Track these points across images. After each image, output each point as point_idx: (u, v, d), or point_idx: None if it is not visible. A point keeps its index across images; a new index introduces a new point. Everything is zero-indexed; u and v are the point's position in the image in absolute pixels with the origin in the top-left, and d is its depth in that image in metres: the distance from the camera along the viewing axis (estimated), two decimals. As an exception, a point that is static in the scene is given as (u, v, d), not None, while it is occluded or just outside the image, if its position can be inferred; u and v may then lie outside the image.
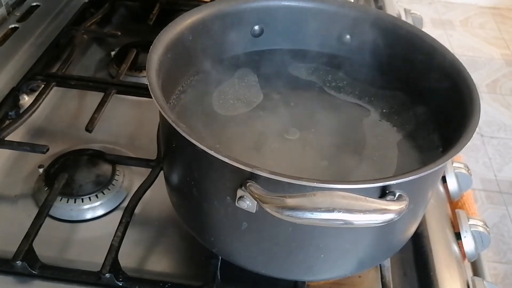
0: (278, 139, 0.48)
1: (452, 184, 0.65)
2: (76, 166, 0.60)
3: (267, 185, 0.37)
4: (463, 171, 0.67)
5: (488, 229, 0.59)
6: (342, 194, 0.34)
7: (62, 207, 0.56)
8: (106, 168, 0.60)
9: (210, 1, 0.56)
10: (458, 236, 0.58)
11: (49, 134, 0.68)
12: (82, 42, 0.82)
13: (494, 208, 1.67)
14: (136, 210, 0.54)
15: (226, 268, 0.49)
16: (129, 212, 0.53)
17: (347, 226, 0.34)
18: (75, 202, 0.56)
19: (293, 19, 0.58)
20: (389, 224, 0.35)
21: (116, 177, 0.59)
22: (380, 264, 0.51)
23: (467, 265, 0.59)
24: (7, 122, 0.66)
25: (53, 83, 0.70)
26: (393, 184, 0.37)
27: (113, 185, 0.59)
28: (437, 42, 0.52)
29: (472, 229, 0.58)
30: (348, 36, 0.58)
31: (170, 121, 0.39)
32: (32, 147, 0.60)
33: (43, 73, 0.73)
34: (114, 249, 0.50)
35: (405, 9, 1.01)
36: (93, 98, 0.69)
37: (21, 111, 0.68)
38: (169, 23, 0.50)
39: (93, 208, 0.57)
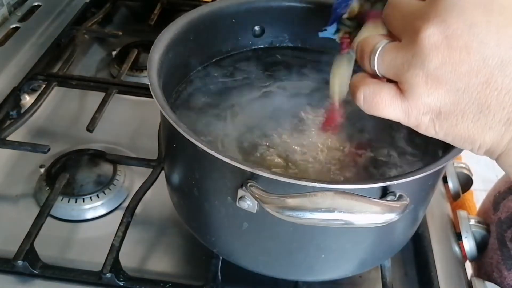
0: (278, 138, 0.48)
1: (453, 184, 0.65)
2: (77, 166, 0.60)
3: (267, 185, 0.37)
4: (464, 171, 0.67)
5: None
6: (342, 194, 0.34)
7: (63, 207, 0.56)
8: (107, 168, 0.60)
9: (211, 1, 0.56)
10: (459, 236, 0.58)
11: (50, 134, 0.68)
12: (83, 42, 0.82)
13: (495, 208, 1.66)
14: (137, 210, 0.54)
15: (227, 268, 0.49)
16: (130, 212, 0.53)
17: (348, 226, 0.34)
18: (76, 202, 0.56)
19: (294, 18, 0.58)
20: (390, 224, 0.35)
21: (117, 177, 0.59)
22: (381, 264, 0.51)
23: (468, 265, 0.59)
24: (9, 122, 0.66)
25: (54, 83, 0.70)
26: (394, 185, 0.37)
27: (114, 185, 0.59)
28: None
29: (473, 229, 0.58)
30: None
31: (171, 121, 0.39)
32: (33, 147, 0.60)
33: (44, 73, 0.73)
34: (115, 249, 0.50)
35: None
36: (94, 98, 0.69)
37: (22, 111, 0.68)
38: (170, 23, 0.50)
39: (94, 208, 0.57)
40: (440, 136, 0.33)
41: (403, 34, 0.32)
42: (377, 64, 0.33)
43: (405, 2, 0.33)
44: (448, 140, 0.33)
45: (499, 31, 0.29)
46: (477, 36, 0.29)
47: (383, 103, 0.33)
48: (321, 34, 0.47)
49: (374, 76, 0.34)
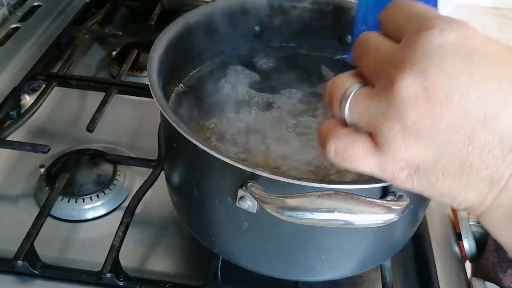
0: (277, 136, 0.48)
1: (453, 184, 0.64)
2: (77, 166, 0.60)
3: (267, 185, 0.37)
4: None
5: (489, 229, 0.59)
6: (342, 195, 0.34)
7: (63, 207, 0.56)
8: (107, 168, 0.60)
9: (211, 1, 0.56)
10: (459, 236, 0.58)
11: (50, 134, 0.68)
12: (83, 42, 0.82)
13: (495, 209, 1.66)
14: (137, 210, 0.54)
15: (227, 268, 0.49)
16: (130, 212, 0.53)
17: (348, 226, 0.34)
18: (76, 202, 0.56)
19: (294, 18, 0.58)
20: (390, 224, 0.35)
21: (117, 177, 0.59)
22: (381, 265, 0.51)
23: (468, 265, 0.59)
24: (9, 122, 0.66)
25: (54, 83, 0.70)
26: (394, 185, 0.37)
27: (114, 185, 0.59)
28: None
29: (473, 229, 0.58)
30: (349, 37, 0.58)
31: (171, 122, 0.39)
32: (33, 147, 0.60)
33: (45, 73, 0.73)
34: (115, 249, 0.50)
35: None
36: (94, 98, 0.69)
37: (22, 111, 0.68)
38: (170, 23, 0.50)
39: (94, 208, 0.57)
40: (417, 191, 0.30)
41: (376, 80, 0.29)
42: (348, 112, 0.30)
43: (377, 43, 0.30)
44: (426, 195, 0.30)
45: (481, 84, 0.26)
46: (458, 89, 0.26)
47: (356, 158, 0.30)
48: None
49: (344, 123, 0.30)
